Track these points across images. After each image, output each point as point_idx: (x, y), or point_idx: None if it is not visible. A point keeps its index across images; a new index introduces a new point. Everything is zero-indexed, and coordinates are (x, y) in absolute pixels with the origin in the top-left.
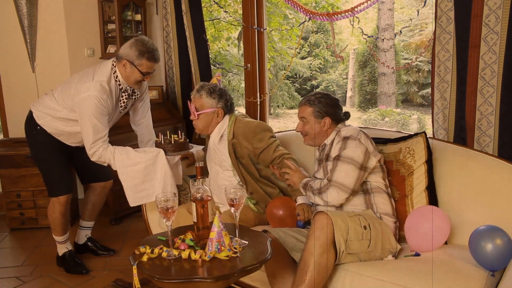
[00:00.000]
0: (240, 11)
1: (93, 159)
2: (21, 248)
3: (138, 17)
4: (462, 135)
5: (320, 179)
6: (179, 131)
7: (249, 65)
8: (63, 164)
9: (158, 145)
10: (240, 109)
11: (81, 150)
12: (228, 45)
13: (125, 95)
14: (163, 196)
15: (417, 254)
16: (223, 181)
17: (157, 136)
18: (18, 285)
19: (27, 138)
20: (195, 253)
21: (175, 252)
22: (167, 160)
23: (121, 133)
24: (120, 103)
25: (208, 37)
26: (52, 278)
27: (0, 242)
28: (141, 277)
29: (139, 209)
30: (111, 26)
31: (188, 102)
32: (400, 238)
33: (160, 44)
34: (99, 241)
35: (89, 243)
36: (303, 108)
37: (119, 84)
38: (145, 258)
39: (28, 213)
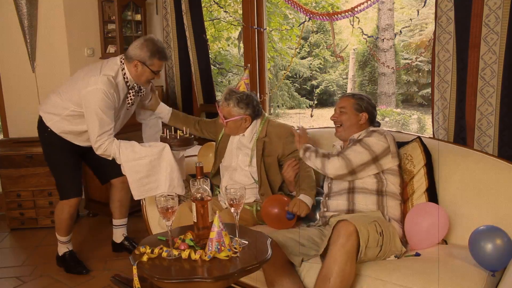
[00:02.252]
0: (240, 11)
1: (98, 152)
2: (21, 248)
3: (138, 17)
4: (462, 135)
5: None
6: (184, 127)
7: (249, 65)
8: (75, 166)
9: (163, 140)
10: None
11: (90, 151)
12: (228, 45)
13: (133, 92)
14: (163, 196)
15: (417, 254)
16: (240, 177)
17: (163, 131)
18: (18, 285)
19: (40, 140)
20: (195, 253)
21: (175, 252)
22: (172, 155)
23: (123, 132)
24: (128, 100)
25: (208, 37)
26: (52, 278)
27: (0, 242)
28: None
29: (139, 209)
30: (111, 26)
31: (217, 105)
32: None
33: None
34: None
35: (125, 242)
36: (345, 99)
37: (127, 81)
38: (145, 258)
39: (28, 213)
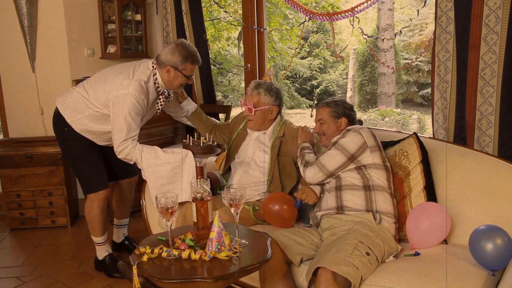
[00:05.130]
0: (240, 11)
1: (120, 156)
2: (21, 248)
3: (138, 17)
4: (462, 135)
5: None
6: (207, 134)
7: (249, 65)
8: (99, 159)
9: (186, 146)
10: (241, 109)
11: (106, 148)
12: (228, 45)
13: (163, 98)
14: (163, 196)
15: (417, 254)
16: (254, 172)
17: (186, 137)
18: (18, 285)
19: (57, 136)
20: (195, 253)
21: (175, 252)
22: (195, 162)
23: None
24: (158, 105)
25: (208, 37)
26: (52, 278)
27: (0, 242)
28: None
29: (139, 209)
30: (111, 26)
31: (240, 99)
32: (400, 238)
33: (160, 44)
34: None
35: (126, 241)
36: (321, 110)
37: (157, 87)
38: (145, 258)
39: (28, 213)
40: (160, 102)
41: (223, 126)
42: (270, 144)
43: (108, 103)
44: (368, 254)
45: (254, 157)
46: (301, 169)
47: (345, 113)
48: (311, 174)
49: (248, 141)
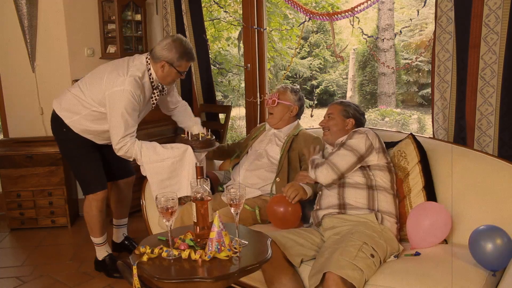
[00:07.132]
0: (240, 11)
1: (119, 154)
2: (21, 248)
3: (138, 17)
4: (462, 135)
5: None
6: (205, 128)
7: (249, 65)
8: (98, 160)
9: (184, 141)
10: (240, 109)
11: (105, 147)
12: (228, 45)
13: (157, 92)
14: (163, 196)
15: (417, 254)
16: (263, 159)
17: (183, 132)
18: (18, 285)
19: (56, 136)
20: (195, 253)
21: (175, 252)
22: (195, 157)
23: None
24: (152, 100)
25: (208, 37)
26: (52, 278)
27: (0, 242)
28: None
29: (139, 209)
30: (111, 26)
31: (266, 96)
32: (400, 238)
33: None
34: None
35: (126, 241)
36: (333, 106)
37: (152, 82)
38: (145, 258)
39: (28, 213)
40: (155, 96)
41: (244, 139)
42: (284, 139)
43: (105, 102)
44: (372, 256)
45: (267, 148)
46: (312, 173)
47: (355, 116)
48: (323, 174)
49: (263, 137)
